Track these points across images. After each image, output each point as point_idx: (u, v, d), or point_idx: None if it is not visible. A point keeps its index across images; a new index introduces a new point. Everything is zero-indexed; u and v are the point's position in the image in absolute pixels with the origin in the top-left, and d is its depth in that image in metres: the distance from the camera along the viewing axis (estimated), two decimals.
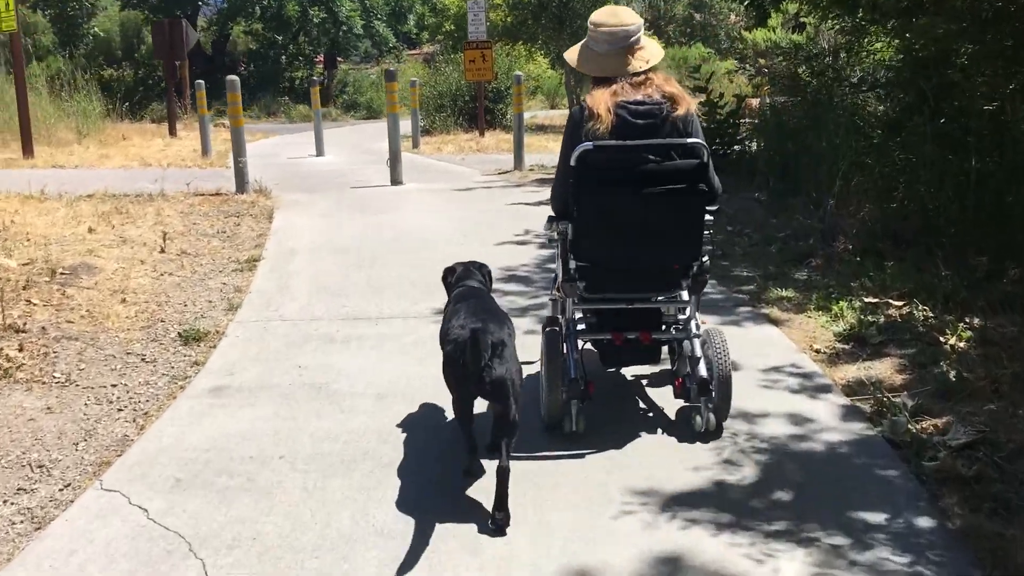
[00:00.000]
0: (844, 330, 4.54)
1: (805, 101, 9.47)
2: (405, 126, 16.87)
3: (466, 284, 3.42)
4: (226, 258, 6.13)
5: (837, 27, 9.42)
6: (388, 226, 7.20)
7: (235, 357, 4.22)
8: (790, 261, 5.91)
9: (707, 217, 3.30)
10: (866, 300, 4.97)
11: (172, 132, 16.69)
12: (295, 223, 7.33)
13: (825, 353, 4.29)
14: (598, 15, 3.42)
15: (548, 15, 20.86)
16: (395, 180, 9.89)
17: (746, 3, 11.33)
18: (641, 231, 3.23)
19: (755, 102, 19.47)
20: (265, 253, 6.23)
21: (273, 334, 4.54)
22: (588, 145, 3.10)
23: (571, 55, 3.53)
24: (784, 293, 5.18)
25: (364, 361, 4.14)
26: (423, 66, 27.80)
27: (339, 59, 31.36)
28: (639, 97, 3.20)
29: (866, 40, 9.05)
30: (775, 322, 4.72)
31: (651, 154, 3.14)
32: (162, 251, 6.16)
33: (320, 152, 14.10)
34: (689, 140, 3.17)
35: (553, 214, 3.42)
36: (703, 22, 57.41)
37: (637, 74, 3.27)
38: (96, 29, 25.75)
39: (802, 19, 10.30)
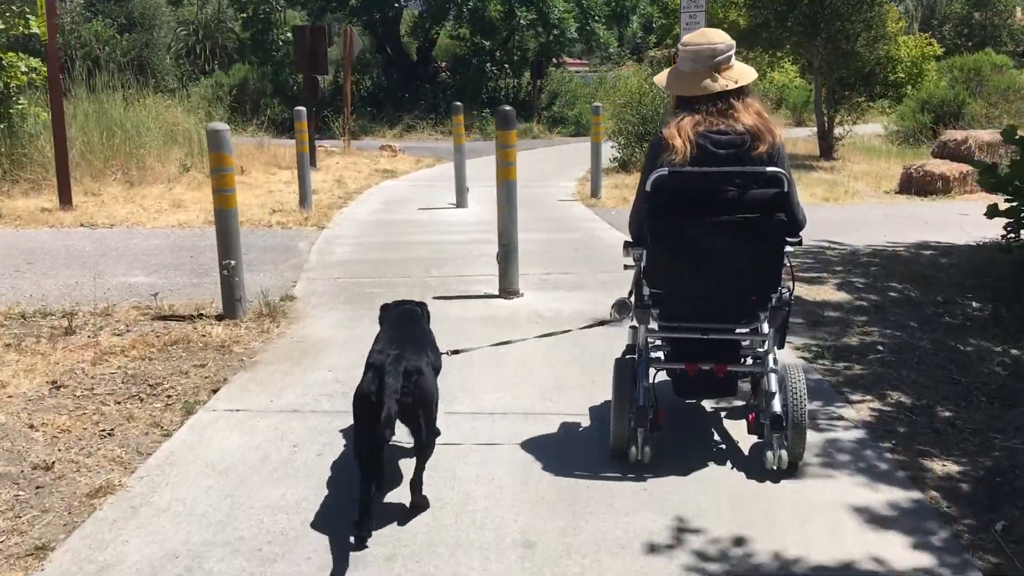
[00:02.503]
0: None
1: None
2: (583, 164, 13.02)
3: (401, 307, 3.47)
4: None
5: None
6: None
7: None
8: None
9: (788, 249, 3.20)
10: None
11: (312, 163, 13.75)
12: (212, 445, 3.59)
13: None
14: (688, 36, 3.36)
15: (797, 15, 16.13)
16: (506, 290, 6.02)
17: None
18: (715, 260, 3.17)
19: None
20: None
21: None
22: (663, 171, 3.10)
23: (660, 78, 3.44)
24: None
25: None
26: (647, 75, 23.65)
27: (554, 63, 27.93)
28: (721, 127, 3.15)
29: None
30: None
31: (728, 182, 3.09)
32: None
33: (461, 202, 10.49)
34: (769, 168, 3.10)
35: (630, 239, 3.40)
36: (983, 21, 49.26)
37: (721, 98, 3.20)
38: (289, 34, 23.85)
39: None
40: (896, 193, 12.60)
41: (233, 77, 23.31)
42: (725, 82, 3.23)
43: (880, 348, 4.82)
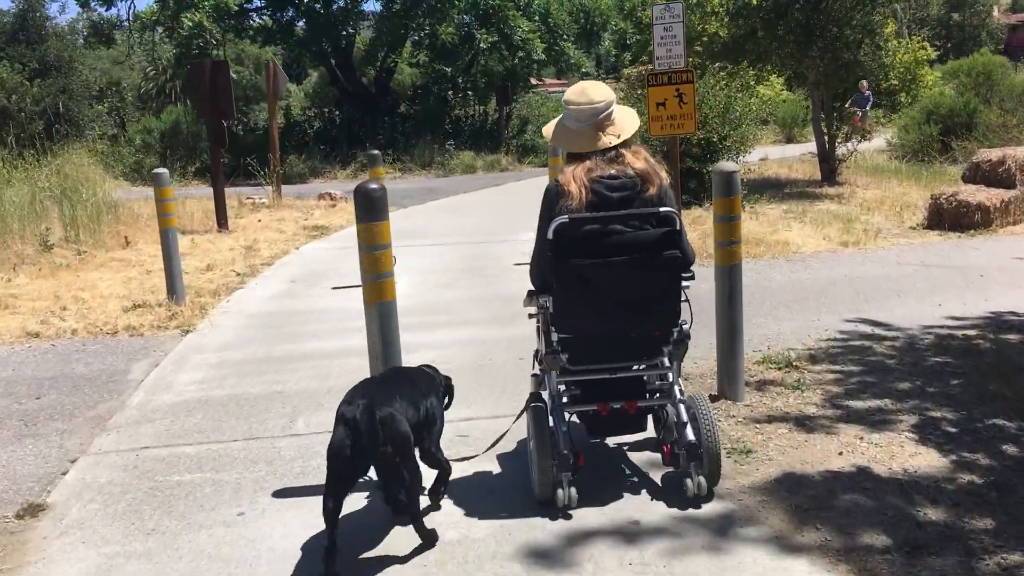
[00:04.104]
0: None
1: None
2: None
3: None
4: None
5: None
6: None
7: None
8: None
9: (683, 283, 3.39)
10: None
11: (221, 224, 11.49)
12: None
13: None
14: (569, 93, 3.51)
15: (788, 23, 14.00)
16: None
17: None
18: (620, 300, 3.31)
19: None
20: None
21: None
22: (564, 218, 3.23)
23: (548, 130, 3.61)
24: None
25: None
26: (623, 98, 21.38)
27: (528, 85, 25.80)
28: (613, 172, 3.32)
29: None
30: None
31: (625, 224, 3.26)
32: None
33: None
34: (662, 209, 3.28)
35: (532, 288, 3.49)
36: (961, 22, 47.90)
37: (608, 150, 3.37)
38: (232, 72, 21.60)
39: None
40: (925, 228, 10.41)
41: (164, 121, 21.03)
42: (608, 139, 3.39)
43: None
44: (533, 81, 27.63)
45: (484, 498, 3.51)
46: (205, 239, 10.80)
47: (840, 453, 3.82)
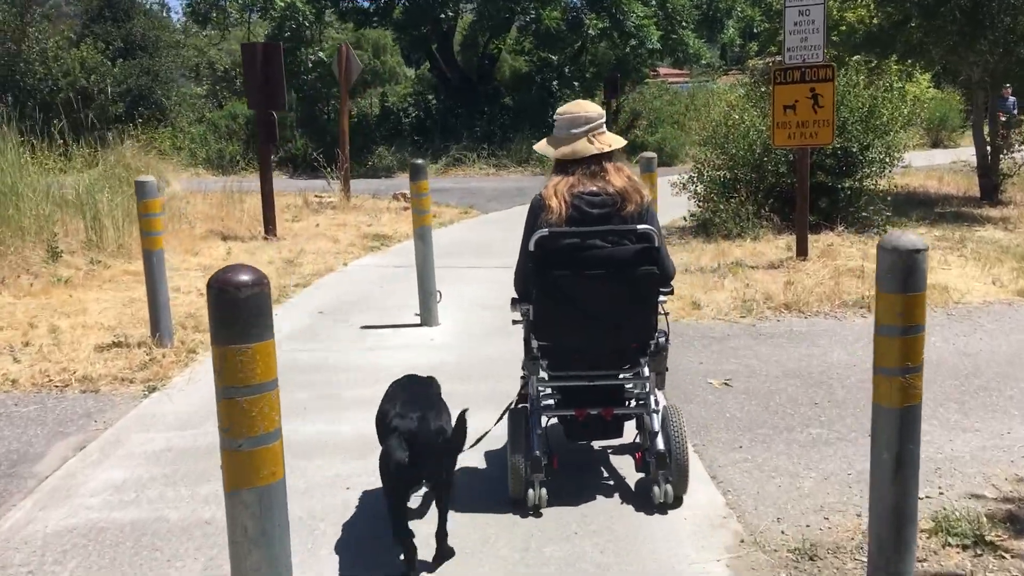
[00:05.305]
0: None
1: None
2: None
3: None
4: None
5: None
6: None
7: None
8: None
9: (661, 298, 3.47)
10: None
11: (269, 231, 10.11)
12: None
13: None
14: (562, 107, 3.65)
15: (951, 11, 11.61)
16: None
17: None
18: (597, 312, 3.40)
19: None
20: None
21: None
22: (544, 231, 3.34)
23: (540, 144, 3.68)
24: None
25: None
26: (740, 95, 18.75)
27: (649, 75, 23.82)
28: (594, 188, 3.43)
29: None
30: None
31: (603, 240, 3.35)
32: None
33: (427, 318, 6.60)
34: (640, 227, 3.36)
35: (516, 296, 3.63)
36: None
37: (596, 160, 3.47)
38: (322, 54, 20.50)
39: None
40: None
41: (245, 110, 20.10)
42: (600, 145, 3.51)
43: None
44: (652, 72, 25.63)
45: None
46: (246, 248, 9.46)
47: None
